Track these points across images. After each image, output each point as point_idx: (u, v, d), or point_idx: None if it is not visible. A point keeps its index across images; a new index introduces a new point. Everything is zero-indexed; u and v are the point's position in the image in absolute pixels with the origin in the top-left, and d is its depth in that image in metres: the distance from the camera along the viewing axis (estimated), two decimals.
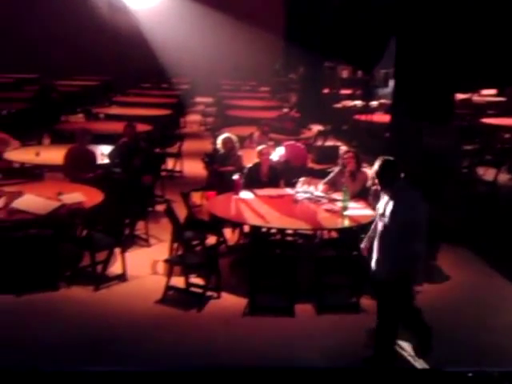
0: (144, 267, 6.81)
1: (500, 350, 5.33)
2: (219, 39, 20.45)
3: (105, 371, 4.88)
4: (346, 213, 6.46)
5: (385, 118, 12.65)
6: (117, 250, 6.66)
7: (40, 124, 12.17)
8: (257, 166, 7.67)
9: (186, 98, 17.43)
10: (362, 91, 17.46)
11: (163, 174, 10.14)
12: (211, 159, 8.91)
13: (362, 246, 5.29)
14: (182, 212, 7.15)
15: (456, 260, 7.34)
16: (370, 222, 6.37)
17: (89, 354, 5.08)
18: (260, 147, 7.83)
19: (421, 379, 5.04)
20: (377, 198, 6.71)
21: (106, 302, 6.04)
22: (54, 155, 8.43)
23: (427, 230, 4.73)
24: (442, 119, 8.42)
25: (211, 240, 6.91)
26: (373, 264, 4.92)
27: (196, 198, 7.76)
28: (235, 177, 7.19)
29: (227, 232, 7.39)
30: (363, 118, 13.96)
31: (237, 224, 7.08)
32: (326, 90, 18.40)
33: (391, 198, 4.70)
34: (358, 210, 6.60)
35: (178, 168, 11.11)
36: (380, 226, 4.81)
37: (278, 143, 9.07)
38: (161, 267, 6.74)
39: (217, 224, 6.78)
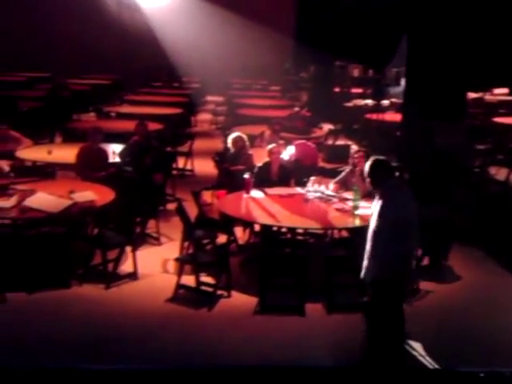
0: (155, 266, 6.83)
1: None
2: (229, 38, 20.45)
3: (115, 369, 4.91)
4: (356, 212, 6.45)
5: (396, 116, 12.61)
6: (128, 249, 6.69)
7: (52, 123, 12.24)
8: (267, 164, 7.67)
9: (196, 97, 17.46)
10: (372, 90, 17.40)
11: (174, 172, 10.17)
12: (222, 158, 8.92)
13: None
14: (192, 211, 7.17)
15: (467, 260, 7.31)
16: None
17: (99, 352, 5.10)
18: (270, 146, 7.83)
19: (432, 379, 5.03)
20: None
21: (116, 300, 6.07)
22: (65, 154, 8.47)
23: (418, 230, 4.72)
24: (453, 118, 8.39)
25: (222, 239, 6.92)
26: (364, 264, 4.80)
27: (207, 196, 7.77)
28: (246, 176, 7.19)
29: (238, 231, 7.40)
30: (374, 116, 13.91)
31: (247, 223, 7.08)
32: (336, 89, 18.36)
33: (382, 197, 4.69)
34: (368, 209, 6.58)
35: (188, 167, 11.13)
36: (371, 225, 4.74)
37: (288, 142, 9.06)
38: (171, 266, 6.76)
39: (227, 223, 6.79)
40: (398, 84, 17.23)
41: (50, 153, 8.63)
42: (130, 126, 9.63)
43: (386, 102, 15.42)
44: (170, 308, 5.93)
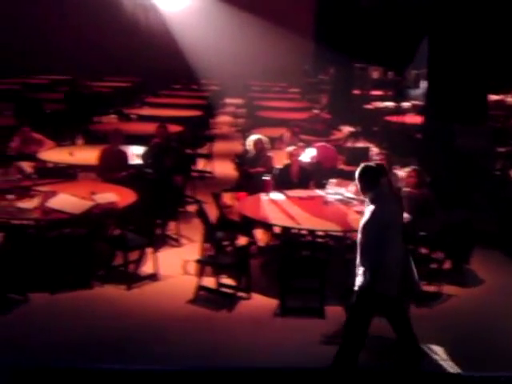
0: (175, 267, 6.87)
1: None
2: (249, 40, 20.49)
3: (135, 369, 4.94)
4: None
5: (416, 119, 12.55)
6: (149, 250, 6.73)
7: (74, 125, 12.36)
8: (287, 167, 7.68)
9: (215, 100, 17.51)
10: (393, 92, 17.33)
11: (194, 174, 10.21)
12: (242, 160, 8.94)
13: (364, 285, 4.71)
14: (212, 212, 7.19)
15: (489, 263, 7.24)
16: (402, 224, 6.36)
17: (120, 352, 5.14)
18: (290, 148, 7.84)
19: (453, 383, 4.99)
20: (409, 201, 6.70)
21: (137, 301, 6.11)
22: (87, 155, 8.55)
23: (403, 236, 4.71)
24: (475, 121, 8.33)
25: (242, 241, 6.94)
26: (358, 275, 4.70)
27: (227, 198, 7.79)
28: (266, 178, 7.20)
29: (258, 233, 7.41)
30: (394, 119, 13.86)
31: (267, 225, 7.09)
32: (356, 91, 18.30)
33: (372, 202, 4.68)
34: None
35: (208, 169, 11.17)
36: (360, 233, 4.70)
37: (308, 144, 9.06)
38: (192, 267, 6.78)
39: (247, 225, 6.81)
40: (417, 86, 17.15)
41: (71, 154, 8.72)
42: (150, 128, 9.69)
43: (406, 104, 15.36)
44: (191, 309, 5.96)
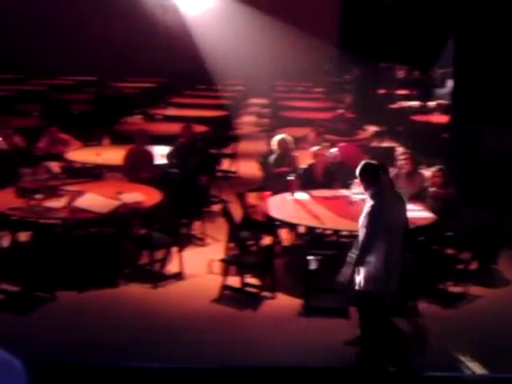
0: (200, 266, 6.90)
1: None
2: (272, 41, 20.50)
3: (159, 368, 4.98)
4: None
5: (442, 118, 12.43)
6: (174, 249, 6.78)
7: (100, 125, 12.49)
8: (312, 166, 7.67)
9: (239, 100, 17.54)
10: (418, 91, 17.19)
11: (219, 174, 10.25)
12: (266, 160, 8.95)
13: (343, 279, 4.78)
14: (237, 212, 7.22)
15: None
16: (428, 225, 6.32)
17: (145, 351, 5.18)
18: (315, 148, 7.83)
19: None
20: (435, 200, 6.65)
21: (163, 300, 6.16)
22: (113, 155, 8.64)
23: (404, 234, 4.73)
24: (504, 120, 8.22)
25: (266, 240, 6.95)
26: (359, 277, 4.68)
27: (251, 198, 7.81)
28: (290, 178, 7.20)
29: (282, 232, 7.42)
30: (419, 118, 13.75)
31: (292, 225, 7.09)
32: (381, 91, 18.19)
33: (372, 198, 4.68)
34: (414, 211, 6.51)
35: (233, 169, 11.20)
36: (361, 232, 4.69)
37: (332, 144, 9.03)
38: (217, 267, 6.80)
39: (272, 224, 6.82)
40: (443, 85, 16.98)
41: (98, 155, 8.82)
42: (175, 128, 9.76)
43: (432, 104, 15.22)
44: (215, 308, 5.99)
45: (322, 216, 6.49)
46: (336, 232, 6.79)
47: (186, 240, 7.31)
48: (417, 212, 6.51)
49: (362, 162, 4.87)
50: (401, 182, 7.07)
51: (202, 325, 5.69)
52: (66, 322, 5.65)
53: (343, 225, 6.44)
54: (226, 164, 11.08)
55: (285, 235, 7.52)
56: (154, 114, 14.38)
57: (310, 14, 20.83)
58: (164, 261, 6.68)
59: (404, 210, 4.93)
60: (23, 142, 9.26)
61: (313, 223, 6.40)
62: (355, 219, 6.48)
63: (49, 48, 20.96)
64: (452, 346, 5.18)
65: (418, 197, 6.94)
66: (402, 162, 7.21)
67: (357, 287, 4.66)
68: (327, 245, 7.09)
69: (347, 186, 7.40)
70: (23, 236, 6.73)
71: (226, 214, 6.67)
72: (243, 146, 12.27)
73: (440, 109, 14.52)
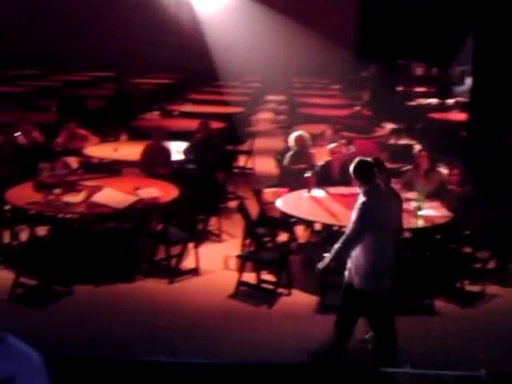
0: (216, 262, 6.92)
1: None
2: (290, 38, 20.47)
3: (175, 363, 5.00)
4: (420, 213, 6.34)
5: (461, 116, 12.34)
6: (190, 245, 6.80)
7: (118, 121, 12.56)
8: (328, 164, 7.65)
9: (256, 97, 17.52)
10: (436, 89, 17.07)
11: (235, 171, 10.26)
12: (283, 157, 8.94)
13: (321, 266, 4.86)
14: (253, 209, 7.22)
15: None
16: (445, 223, 6.28)
17: (161, 346, 5.20)
18: (332, 145, 7.81)
19: None
20: (452, 199, 6.61)
21: (178, 296, 6.19)
22: (131, 151, 8.68)
23: (398, 233, 4.73)
24: None
25: (282, 237, 6.95)
26: (348, 273, 4.72)
27: (268, 195, 7.81)
28: (307, 174, 7.19)
29: (298, 229, 7.41)
30: (438, 116, 13.65)
31: (308, 222, 7.08)
32: (399, 88, 18.09)
33: (365, 195, 4.67)
34: (432, 209, 6.48)
35: (249, 165, 11.21)
36: (349, 226, 4.69)
37: (349, 141, 9.00)
38: (233, 263, 6.83)
39: (288, 221, 6.81)
40: (462, 83, 16.85)
41: (116, 150, 8.86)
42: (192, 124, 9.78)
43: (450, 101, 15.11)
44: (231, 304, 6.00)
45: (339, 213, 6.47)
46: None
47: (202, 236, 7.33)
48: (434, 210, 6.48)
49: (356, 159, 4.87)
50: (418, 179, 7.03)
51: (218, 319, 5.70)
52: (80, 316, 5.69)
53: None
54: (242, 160, 11.09)
55: (301, 232, 7.51)
56: (171, 110, 14.41)
57: (327, 11, 20.77)
58: (180, 256, 6.70)
59: (398, 208, 4.93)
60: (42, 138, 9.34)
61: (329, 220, 6.39)
62: None
63: (67, 45, 21.12)
64: (469, 345, 5.15)
65: (436, 195, 6.90)
66: (420, 160, 7.17)
67: (357, 286, 4.65)
68: None
69: None
70: (41, 230, 6.79)
71: (243, 210, 6.68)
72: (260, 143, 12.26)
73: (458, 106, 14.41)
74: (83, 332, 5.35)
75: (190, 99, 16.07)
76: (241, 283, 6.21)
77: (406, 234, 7.09)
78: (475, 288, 6.21)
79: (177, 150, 8.81)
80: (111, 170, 8.34)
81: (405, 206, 6.61)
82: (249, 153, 11.28)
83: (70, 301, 5.96)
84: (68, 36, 21.27)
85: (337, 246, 4.70)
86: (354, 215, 4.68)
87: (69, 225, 6.76)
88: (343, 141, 8.78)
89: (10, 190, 6.76)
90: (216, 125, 10.89)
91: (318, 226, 7.09)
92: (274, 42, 20.67)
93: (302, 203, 6.86)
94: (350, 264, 4.72)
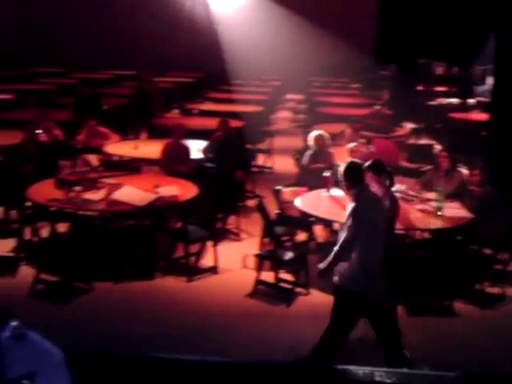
0: (235, 261, 6.94)
1: None
2: (310, 37, 20.42)
3: (193, 360, 5.01)
4: (439, 213, 6.31)
5: (482, 116, 12.23)
6: (209, 243, 6.83)
7: (138, 119, 12.62)
8: None
9: (275, 95, 17.50)
10: (457, 88, 16.92)
11: (254, 169, 10.27)
12: (302, 156, 8.93)
13: (322, 266, 4.83)
14: (272, 207, 7.22)
15: None
16: (465, 224, 6.23)
17: (179, 343, 5.22)
18: (351, 145, 7.78)
19: None
20: (473, 199, 6.55)
21: (197, 294, 6.22)
22: (151, 149, 8.73)
23: (387, 236, 4.66)
24: None
25: (301, 236, 6.94)
26: (340, 276, 4.65)
27: (287, 194, 7.80)
28: (326, 174, 7.18)
29: (317, 229, 7.39)
30: (458, 116, 13.54)
31: (327, 221, 7.07)
32: (419, 87, 17.96)
33: (353, 199, 4.63)
34: (453, 210, 6.43)
35: (268, 164, 11.21)
36: (345, 231, 4.65)
37: (369, 141, 8.96)
38: (251, 261, 6.84)
39: (307, 220, 6.80)
40: (484, 82, 16.69)
41: (136, 148, 8.92)
42: (211, 122, 9.81)
43: (471, 101, 14.98)
44: (249, 303, 6.02)
45: None
46: None
47: (221, 234, 7.35)
48: (455, 210, 6.43)
49: (347, 161, 4.84)
50: (438, 180, 6.98)
51: (236, 318, 5.72)
52: (99, 313, 5.73)
53: None
54: (261, 159, 11.09)
55: (320, 232, 7.50)
56: (191, 108, 14.46)
57: (348, 11, 20.71)
58: (199, 254, 6.73)
59: (388, 210, 4.88)
60: (63, 135, 9.42)
61: None
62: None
63: (89, 43, 21.30)
64: (489, 347, 5.11)
65: (456, 195, 6.85)
66: (440, 160, 7.12)
67: (347, 288, 4.62)
68: None
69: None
70: (62, 227, 6.85)
71: (261, 209, 6.68)
72: (279, 142, 12.26)
73: (479, 106, 14.28)
74: (102, 328, 5.41)
75: (210, 98, 16.11)
76: (259, 282, 6.23)
77: (426, 235, 7.08)
78: (495, 290, 6.16)
79: (196, 148, 8.84)
80: (131, 167, 8.40)
81: (424, 206, 6.62)
82: (268, 152, 11.28)
83: (89, 297, 6.02)
84: (90, 34, 21.45)
85: (336, 249, 4.65)
86: (347, 220, 4.63)
87: (89, 222, 6.81)
88: (363, 140, 8.75)
89: (32, 187, 6.84)
90: (235, 123, 10.90)
91: (336, 226, 7.06)
92: (293, 42, 20.63)
93: (320, 202, 6.84)
94: (339, 266, 4.66)
